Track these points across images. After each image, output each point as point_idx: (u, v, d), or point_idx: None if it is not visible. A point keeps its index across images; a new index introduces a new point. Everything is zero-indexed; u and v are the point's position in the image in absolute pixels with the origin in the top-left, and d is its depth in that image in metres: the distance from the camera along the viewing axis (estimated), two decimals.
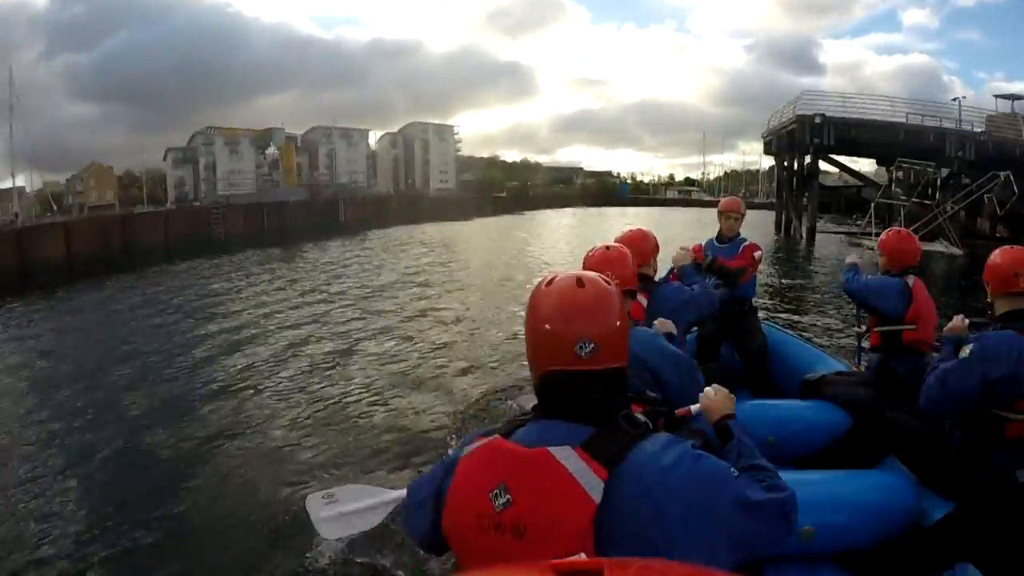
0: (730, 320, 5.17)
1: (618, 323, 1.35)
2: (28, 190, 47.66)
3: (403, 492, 1.93)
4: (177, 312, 15.58)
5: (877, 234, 19.89)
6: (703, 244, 5.36)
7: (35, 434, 7.26)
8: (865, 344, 4.55)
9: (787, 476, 2.09)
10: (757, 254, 5.17)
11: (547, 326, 1.33)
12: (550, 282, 1.38)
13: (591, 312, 1.33)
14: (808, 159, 31.92)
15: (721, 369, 4.93)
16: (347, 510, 2.29)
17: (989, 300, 2.94)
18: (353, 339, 11.46)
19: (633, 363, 1.70)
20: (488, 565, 0.98)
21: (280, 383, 8.83)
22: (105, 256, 31.08)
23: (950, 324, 3.18)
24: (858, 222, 32.54)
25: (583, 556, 0.94)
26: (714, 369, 4.67)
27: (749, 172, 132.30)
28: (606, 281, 1.39)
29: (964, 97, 31.89)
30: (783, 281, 17.63)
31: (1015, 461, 2.69)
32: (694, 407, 2.08)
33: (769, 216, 36.58)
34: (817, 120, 29.75)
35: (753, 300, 5.45)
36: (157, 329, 13.48)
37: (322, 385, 8.69)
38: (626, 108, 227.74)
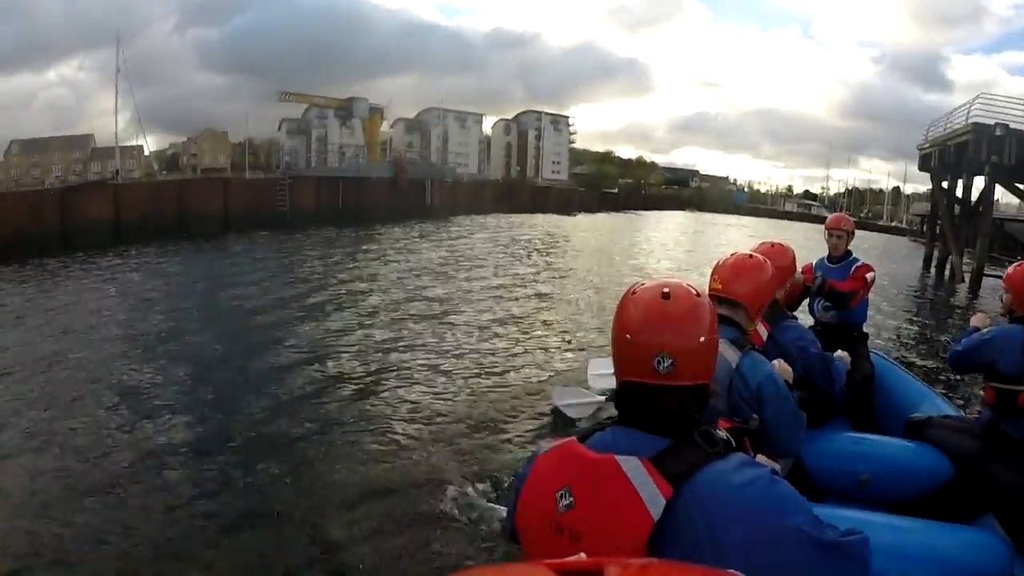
0: (838, 345, 4.40)
1: (702, 339, 1.30)
2: (147, 151, 47.74)
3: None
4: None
5: None
6: (813, 263, 5.09)
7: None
8: (980, 393, 4.18)
9: (879, 519, 3.03)
10: (870, 276, 4.87)
11: (627, 336, 1.30)
12: (636, 290, 1.35)
13: (673, 325, 1.28)
14: (982, 180, 24.11)
15: (822, 396, 3.87)
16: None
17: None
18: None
19: (743, 387, 1.96)
20: (491, 565, 0.88)
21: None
22: (155, 223, 27.53)
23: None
24: None
25: (583, 556, 0.92)
26: (815, 395, 3.76)
27: (872, 191, 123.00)
28: (695, 293, 1.33)
29: None
30: (928, 334, 13.47)
31: None
32: None
33: (907, 247, 29.34)
34: (998, 132, 22.23)
35: (864, 326, 5.07)
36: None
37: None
38: (745, 113, 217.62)
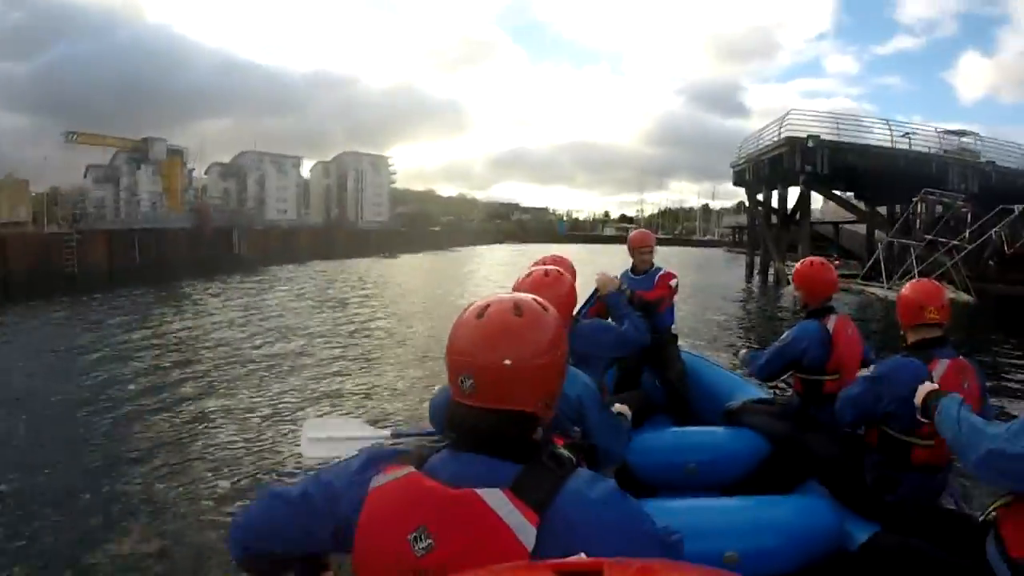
0: (650, 349, 4.47)
1: (506, 362, 1.17)
2: None
3: (386, 432, 2.83)
4: None
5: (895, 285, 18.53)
6: (619, 276, 4.77)
7: None
8: (788, 385, 4.36)
9: (709, 502, 3.21)
10: (673, 282, 5.10)
11: (447, 348, 1.25)
12: (469, 305, 1.27)
13: (476, 344, 1.20)
14: (796, 191, 25.60)
15: (642, 397, 4.69)
16: (335, 435, 3.04)
17: (902, 332, 3.06)
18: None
19: (562, 401, 1.58)
20: (490, 565, 0.90)
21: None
22: None
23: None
24: (835, 263, 26.67)
25: (583, 556, 0.89)
26: (635, 397, 4.37)
27: (683, 210, 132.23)
28: (515, 311, 1.22)
29: (907, 135, 26.27)
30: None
31: (928, 486, 2.91)
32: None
33: (723, 257, 31.19)
34: (810, 143, 23.41)
35: (672, 328, 5.19)
36: None
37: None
38: (561, 146, 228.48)
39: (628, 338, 3.40)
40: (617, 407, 2.80)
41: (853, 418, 3.07)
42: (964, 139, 26.76)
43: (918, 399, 2.53)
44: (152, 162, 43.65)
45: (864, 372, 3.09)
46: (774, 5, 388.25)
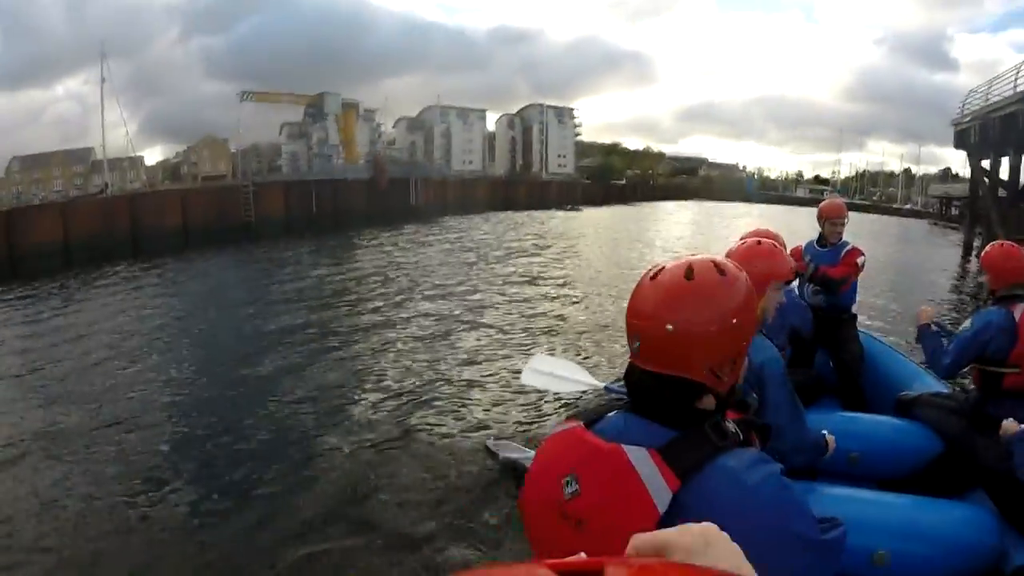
0: (827, 327, 4.73)
1: (668, 327, 1.15)
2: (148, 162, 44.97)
3: (600, 383, 3.20)
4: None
5: None
6: (803, 246, 5.04)
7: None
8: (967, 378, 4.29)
9: (867, 495, 3.01)
10: (860, 260, 4.84)
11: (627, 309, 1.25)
12: (653, 275, 1.23)
13: (644, 307, 1.19)
14: None
15: (814, 377, 4.55)
16: (555, 372, 3.44)
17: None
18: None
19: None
20: (490, 565, 0.77)
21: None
22: (106, 243, 23.86)
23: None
24: None
25: (583, 555, 0.79)
26: (806, 376, 4.28)
27: (883, 173, 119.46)
28: (686, 275, 1.18)
29: None
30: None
31: None
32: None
33: (927, 230, 25.90)
34: None
35: (853, 307, 4.96)
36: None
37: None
38: (751, 100, 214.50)
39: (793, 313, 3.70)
40: (824, 432, 2.60)
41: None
42: None
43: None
44: (327, 116, 42.56)
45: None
46: None
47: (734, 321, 1.17)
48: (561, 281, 15.46)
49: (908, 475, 3.41)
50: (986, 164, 23.91)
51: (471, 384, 7.73)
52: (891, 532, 2.70)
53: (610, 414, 1.23)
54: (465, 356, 8.97)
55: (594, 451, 1.15)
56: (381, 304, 12.29)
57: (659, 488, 1.07)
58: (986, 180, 23.64)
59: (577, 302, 12.97)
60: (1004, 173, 22.86)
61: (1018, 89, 19.42)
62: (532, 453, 3.61)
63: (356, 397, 7.43)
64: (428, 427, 6.39)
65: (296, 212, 30.90)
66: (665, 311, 1.15)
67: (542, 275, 16.15)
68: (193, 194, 28.58)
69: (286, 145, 71.65)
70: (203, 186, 31.16)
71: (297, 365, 8.64)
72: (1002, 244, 3.63)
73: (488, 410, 6.85)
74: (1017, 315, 3.39)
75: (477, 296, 13.22)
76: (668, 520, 1.02)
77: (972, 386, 3.78)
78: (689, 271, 1.16)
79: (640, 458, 1.10)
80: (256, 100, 39.45)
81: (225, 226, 27.13)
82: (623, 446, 1.12)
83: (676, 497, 1.06)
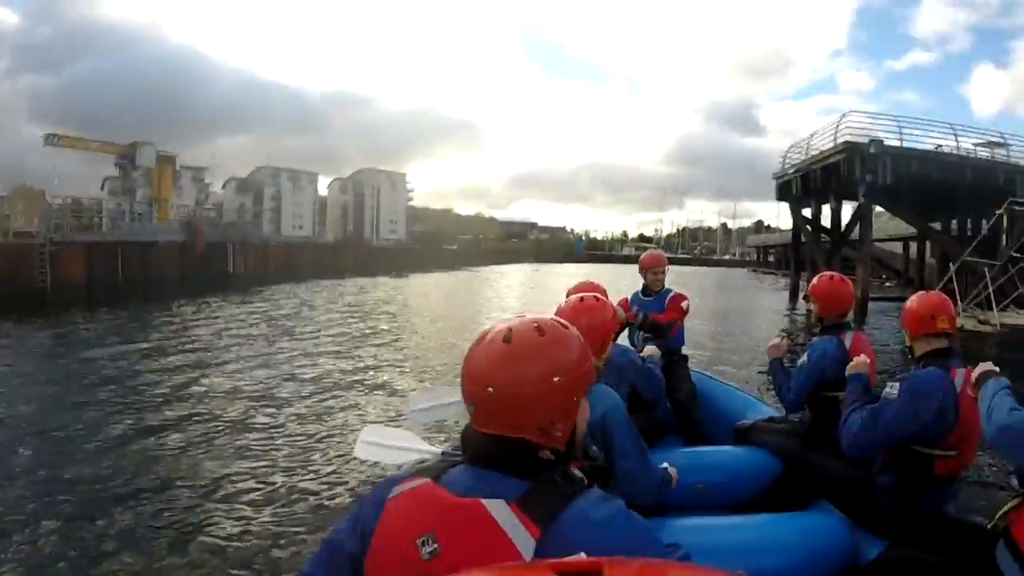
0: (660, 370, 4.38)
1: (489, 390, 1.19)
2: None
3: (437, 450, 3.06)
4: None
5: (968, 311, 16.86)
6: (628, 298, 5.22)
7: None
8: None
9: (720, 521, 3.06)
10: (685, 304, 5.06)
11: (489, 389, 1.20)
12: (480, 339, 1.26)
13: (473, 371, 1.23)
14: (857, 203, 21.43)
15: (653, 418, 4.28)
16: (390, 443, 3.31)
17: (909, 344, 3.04)
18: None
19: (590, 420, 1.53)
20: (491, 566, 0.97)
21: None
22: None
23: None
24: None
25: (583, 555, 0.94)
26: (646, 419, 3.96)
27: (702, 229, 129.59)
28: (505, 337, 1.21)
29: (940, 147, 22.39)
30: None
31: (944, 497, 2.84)
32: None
33: (747, 276, 28.12)
34: (872, 150, 19.72)
35: (682, 349, 5.17)
36: None
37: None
38: (579, 166, 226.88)
39: (648, 378, 3.75)
40: (665, 465, 2.68)
41: (884, 443, 2.85)
42: (999, 151, 22.85)
43: (973, 376, 2.49)
44: (138, 168, 39.38)
45: (889, 392, 2.80)
46: (789, 23, 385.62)
47: (556, 380, 1.19)
48: (385, 348, 14.99)
49: (753, 498, 3.54)
50: (806, 213, 26.10)
51: (306, 458, 6.98)
52: (748, 551, 2.76)
53: (452, 469, 1.24)
54: (284, 434, 8.00)
55: (452, 507, 1.14)
56: (191, 388, 10.69)
57: (523, 538, 1.09)
58: (808, 227, 25.72)
59: (403, 368, 12.54)
60: (824, 219, 24.97)
61: (839, 140, 21.00)
62: (451, 397, 3.69)
63: (168, 494, 6.17)
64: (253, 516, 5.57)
65: (100, 278, 27.86)
66: (488, 374, 1.18)
67: (364, 344, 15.56)
68: None
69: (107, 200, 66.74)
70: None
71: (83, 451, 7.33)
72: (831, 276, 3.80)
73: (323, 482, 6.21)
74: (847, 343, 3.55)
75: (294, 368, 12.24)
76: None
77: (802, 413, 3.89)
78: (508, 335, 1.20)
79: (500, 510, 1.11)
80: (63, 145, 36.13)
81: (14, 291, 24.49)
82: (481, 500, 1.13)
83: (538, 544, 1.09)
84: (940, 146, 22.20)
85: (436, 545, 1.12)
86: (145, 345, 15.50)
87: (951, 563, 2.52)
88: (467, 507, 1.13)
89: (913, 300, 3.03)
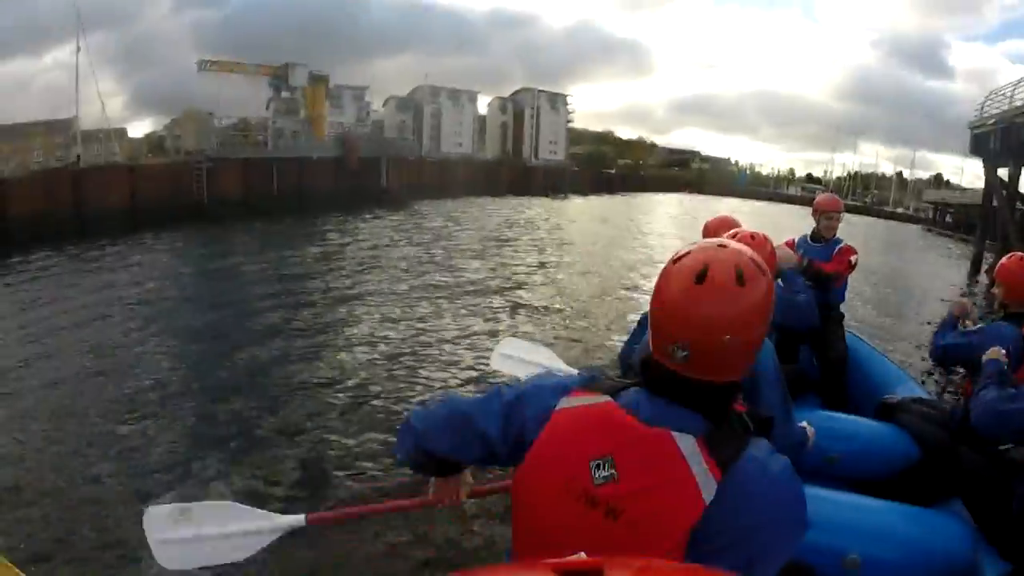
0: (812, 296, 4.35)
1: (726, 337, 1.10)
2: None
3: (299, 518, 1.92)
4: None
5: None
6: (795, 240, 4.98)
7: None
8: (959, 391, 4.35)
9: (844, 497, 2.94)
10: (853, 258, 4.80)
11: (656, 308, 1.15)
12: (678, 258, 1.15)
13: (695, 315, 1.10)
14: None
15: (796, 372, 4.24)
16: (205, 533, 1.88)
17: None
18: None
19: None
20: (491, 566, 0.87)
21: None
22: (47, 222, 21.26)
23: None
24: None
25: (583, 555, 0.85)
26: (789, 372, 3.44)
27: (875, 175, 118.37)
28: (737, 276, 1.10)
29: None
30: None
31: None
32: None
33: (921, 237, 24.15)
34: None
35: (841, 306, 4.94)
36: None
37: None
38: (746, 94, 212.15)
39: (799, 308, 3.56)
40: (804, 424, 2.59)
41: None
42: None
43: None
44: (294, 89, 38.27)
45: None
46: None
47: (768, 322, 1.15)
48: (536, 269, 14.62)
49: (885, 480, 3.38)
50: (1005, 173, 21.72)
51: (445, 364, 7.34)
52: (864, 536, 2.64)
53: (628, 392, 1.16)
54: (432, 341, 8.41)
55: (638, 434, 1.09)
56: (339, 293, 11.41)
57: (706, 478, 1.04)
58: (1004, 191, 21.45)
59: (552, 289, 12.29)
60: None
61: None
62: (539, 357, 3.37)
63: (330, 386, 6.93)
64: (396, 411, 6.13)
65: (256, 192, 28.37)
66: (724, 322, 1.08)
67: (512, 263, 15.09)
68: (143, 171, 25.98)
69: (272, 120, 69.56)
70: (152, 162, 28.37)
71: (257, 357, 7.89)
72: (1021, 257, 3.39)
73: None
74: None
75: (441, 284, 12.34)
76: (712, 510, 1.03)
77: (958, 395, 3.94)
78: (740, 277, 1.09)
79: (688, 446, 1.07)
80: (216, 70, 36.38)
81: (176, 205, 24.99)
82: (671, 432, 1.08)
83: (719, 487, 1.04)
84: None
85: (614, 471, 1.08)
86: (289, 254, 16.42)
87: None
88: (657, 438, 1.08)
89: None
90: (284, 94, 38.79)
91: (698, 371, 1.11)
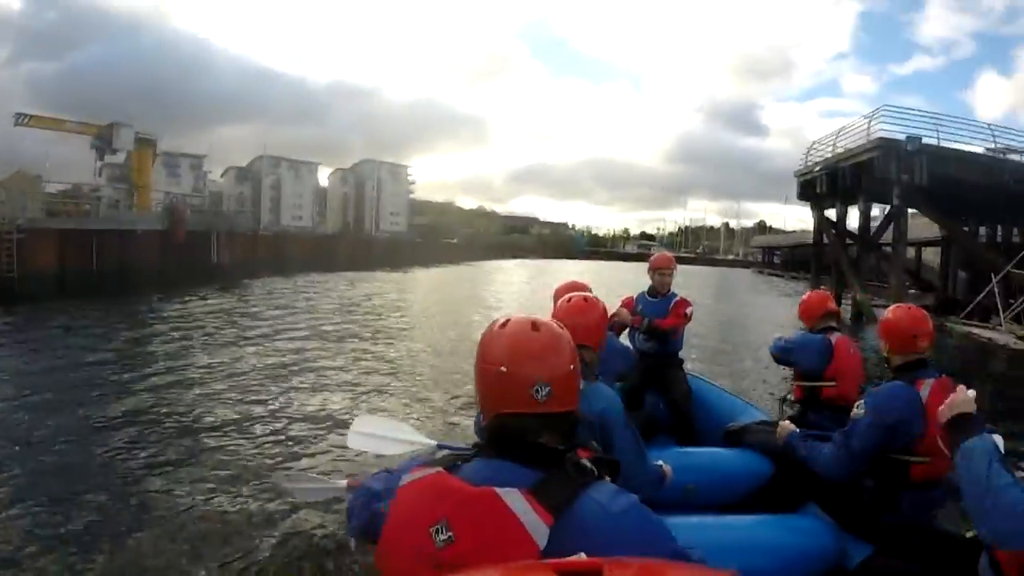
0: (656, 371, 5.02)
1: (571, 367, 1.30)
2: None
3: (432, 442, 2.98)
4: None
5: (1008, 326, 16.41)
6: (635, 297, 5.28)
7: None
8: (790, 396, 4.76)
9: (710, 521, 3.01)
10: (688, 310, 5.15)
11: (502, 368, 1.26)
12: (503, 324, 1.32)
13: (546, 355, 1.28)
14: (892, 205, 19.43)
15: (646, 417, 4.75)
16: (383, 434, 3.15)
17: (886, 355, 3.02)
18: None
19: (586, 412, 1.78)
20: (491, 566, 0.99)
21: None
22: None
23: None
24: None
25: (582, 556, 0.95)
26: (638, 417, 4.35)
27: (704, 228, 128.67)
28: (558, 325, 1.34)
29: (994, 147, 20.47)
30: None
31: (926, 504, 2.83)
32: None
33: (753, 279, 26.56)
34: (909, 147, 17.69)
35: (680, 353, 5.27)
36: None
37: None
38: (581, 162, 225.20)
39: (624, 355, 3.88)
40: (660, 462, 2.73)
41: (863, 463, 2.86)
42: (1012, 156, 20.52)
43: (943, 417, 2.06)
44: (117, 152, 35.17)
45: (857, 412, 2.85)
46: (793, 25, 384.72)
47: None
48: (380, 342, 14.27)
49: (744, 499, 3.51)
50: (832, 214, 24.19)
51: (303, 446, 6.78)
52: (737, 551, 2.69)
53: (467, 463, 1.25)
54: (280, 426, 7.53)
55: (466, 496, 1.15)
56: (159, 380, 9.89)
57: (536, 525, 1.10)
58: (833, 230, 23.88)
59: (396, 362, 11.78)
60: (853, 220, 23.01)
61: (872, 136, 19.14)
62: (335, 483, 3.25)
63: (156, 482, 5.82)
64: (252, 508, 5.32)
65: (73, 268, 25.79)
66: (561, 355, 1.28)
67: (356, 340, 14.58)
68: None
69: (105, 187, 64.71)
70: None
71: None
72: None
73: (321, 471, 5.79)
74: (833, 340, 3.91)
75: (281, 363, 11.53)
76: (548, 554, 1.07)
77: (794, 403, 4.28)
78: (556, 324, 1.33)
79: (514, 498, 1.13)
80: (34, 125, 32.88)
81: None
82: (495, 488, 1.14)
83: (552, 531, 1.10)
84: (994, 147, 20.10)
85: (451, 533, 1.14)
86: (114, 340, 14.34)
87: (933, 573, 2.50)
88: (481, 496, 1.14)
89: (896, 314, 3.02)
90: (108, 157, 35.50)
91: (562, 402, 1.25)
